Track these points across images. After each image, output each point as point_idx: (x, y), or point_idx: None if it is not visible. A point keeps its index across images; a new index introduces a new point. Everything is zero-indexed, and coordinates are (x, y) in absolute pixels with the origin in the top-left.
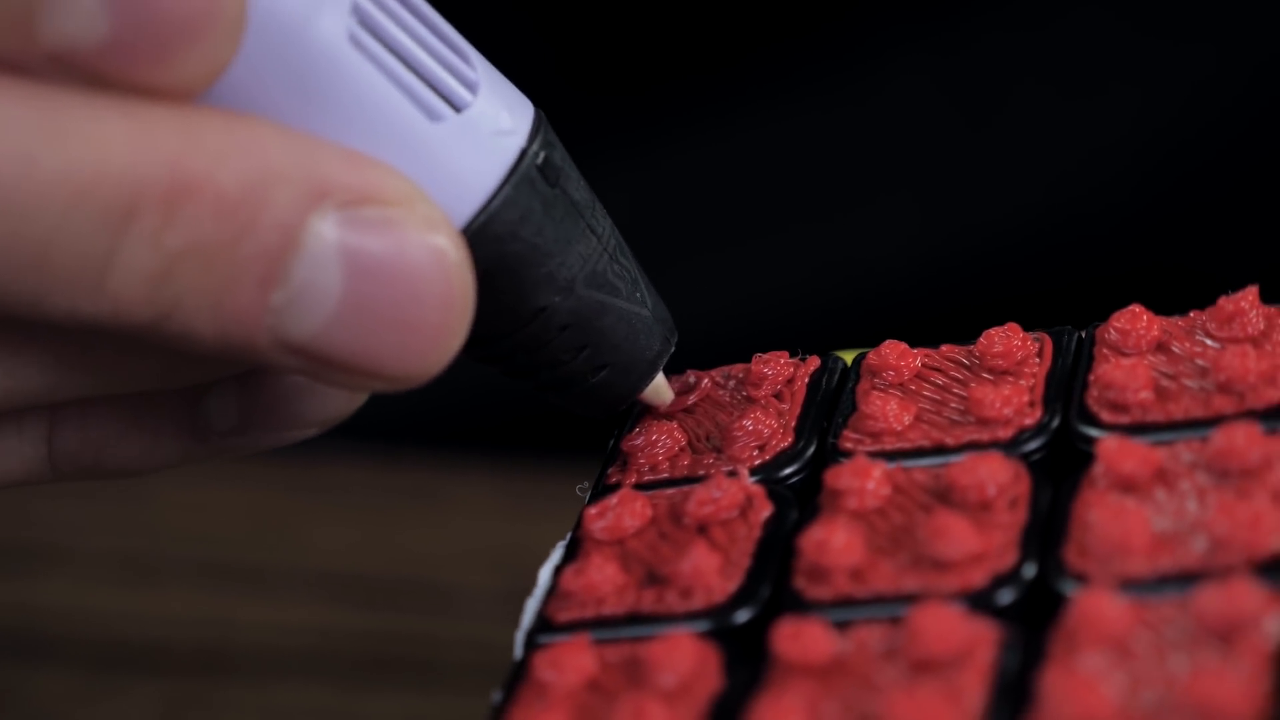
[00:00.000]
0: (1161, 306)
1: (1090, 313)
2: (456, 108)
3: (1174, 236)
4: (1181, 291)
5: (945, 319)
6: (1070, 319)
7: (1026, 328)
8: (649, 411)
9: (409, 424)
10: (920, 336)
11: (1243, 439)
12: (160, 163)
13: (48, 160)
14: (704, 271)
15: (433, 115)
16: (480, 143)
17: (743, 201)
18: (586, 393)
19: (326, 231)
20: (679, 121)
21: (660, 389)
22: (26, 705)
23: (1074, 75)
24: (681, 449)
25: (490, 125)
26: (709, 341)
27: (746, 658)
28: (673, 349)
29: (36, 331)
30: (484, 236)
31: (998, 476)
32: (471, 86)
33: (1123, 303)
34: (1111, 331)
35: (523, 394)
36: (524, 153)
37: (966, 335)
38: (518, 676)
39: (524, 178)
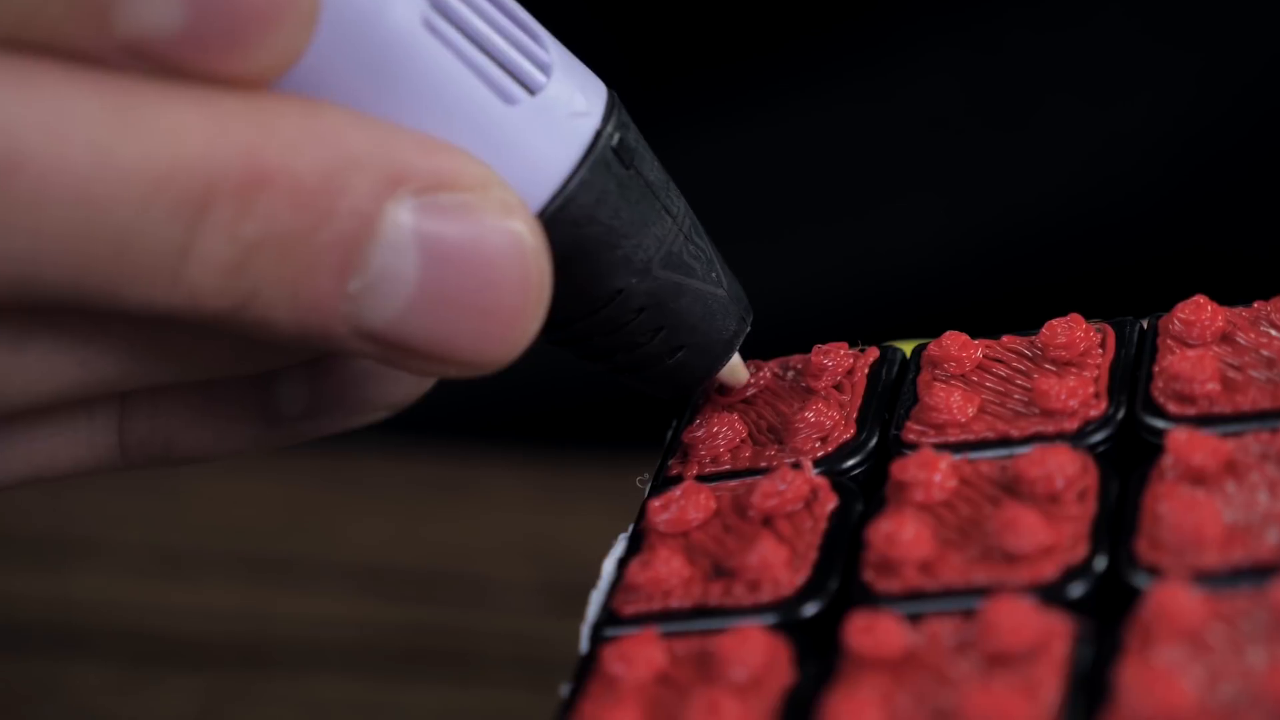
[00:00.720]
0: (1192, 290)
1: (1118, 302)
2: (531, 90)
3: (1197, 226)
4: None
5: (971, 311)
6: (1098, 309)
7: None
8: (708, 403)
9: (441, 416)
10: (945, 327)
11: None
12: (236, 152)
13: (123, 152)
14: (734, 262)
15: (507, 99)
16: (555, 125)
17: (769, 195)
18: (663, 374)
19: (403, 218)
20: (706, 114)
21: (736, 369)
22: (63, 698)
23: (1096, 72)
24: (743, 440)
25: (565, 107)
26: None
27: (816, 651)
28: (748, 328)
29: (110, 321)
30: (560, 220)
31: (1066, 469)
32: (545, 68)
33: (1154, 291)
34: (1175, 322)
35: (555, 385)
36: (599, 134)
37: (995, 328)
38: (587, 670)
39: (599, 160)
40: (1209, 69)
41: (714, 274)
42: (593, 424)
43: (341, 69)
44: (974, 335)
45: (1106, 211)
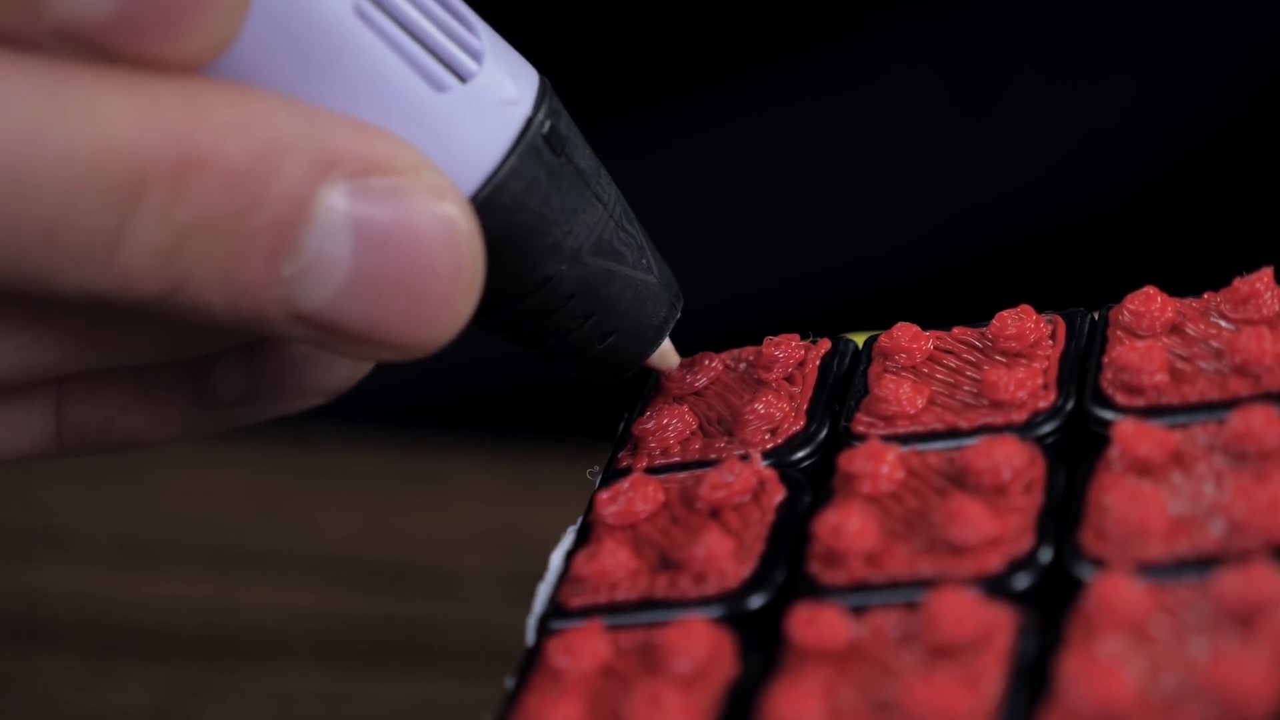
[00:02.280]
0: (1163, 286)
1: (1089, 295)
2: (462, 78)
3: (1172, 218)
4: (1182, 272)
5: (944, 303)
6: (1070, 301)
7: (1032, 309)
8: (659, 394)
9: (411, 407)
10: (920, 320)
11: (1260, 421)
12: (167, 137)
13: (54, 137)
14: (702, 256)
15: (438, 86)
16: (486, 113)
17: (741, 186)
18: (594, 360)
19: (336, 202)
20: (676, 107)
21: (667, 354)
22: (29, 690)
23: (1071, 60)
24: (693, 432)
25: (495, 95)
26: (708, 325)
27: (761, 643)
28: (679, 314)
29: (45, 307)
30: (491, 207)
31: (1013, 460)
32: (476, 55)
33: (1122, 284)
34: (1125, 313)
35: (524, 376)
36: (529, 122)
37: (966, 319)
38: (531, 662)
39: (530, 147)
40: (1189, 57)
41: (645, 260)
42: (562, 415)
43: (273, 55)
44: (949, 327)
45: (1081, 203)
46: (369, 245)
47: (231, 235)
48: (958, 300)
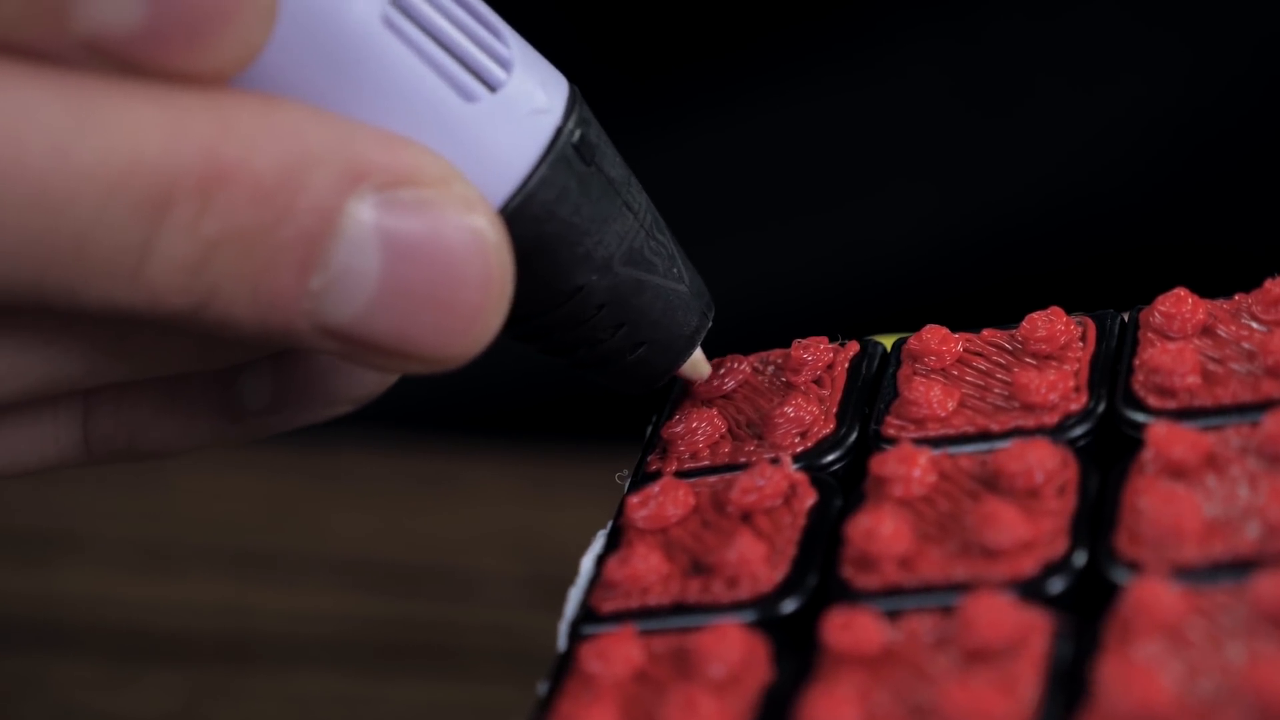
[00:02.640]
0: (1183, 284)
1: (1109, 292)
2: (491, 87)
3: (1190, 215)
4: (1201, 269)
5: (963, 301)
6: (1090, 299)
7: (1053, 308)
8: (688, 398)
9: (427, 410)
10: (938, 318)
11: None
12: (195, 150)
13: (81, 152)
14: (722, 255)
15: (468, 96)
16: (516, 122)
17: (759, 185)
18: (624, 370)
19: (364, 214)
20: (693, 106)
21: (698, 364)
22: (46, 694)
23: (1086, 60)
24: (722, 436)
25: (525, 104)
26: (728, 325)
27: (795, 648)
28: (710, 324)
29: (73, 320)
30: (521, 217)
31: (1045, 463)
32: (506, 65)
33: (1142, 281)
34: (1156, 315)
35: (539, 379)
36: (560, 131)
37: (986, 316)
38: (564, 668)
39: (560, 157)
40: (1199, 57)
41: (675, 270)
42: (578, 418)
43: (301, 65)
44: (963, 326)
45: (1100, 200)
46: (397, 258)
47: (259, 248)
48: (977, 299)
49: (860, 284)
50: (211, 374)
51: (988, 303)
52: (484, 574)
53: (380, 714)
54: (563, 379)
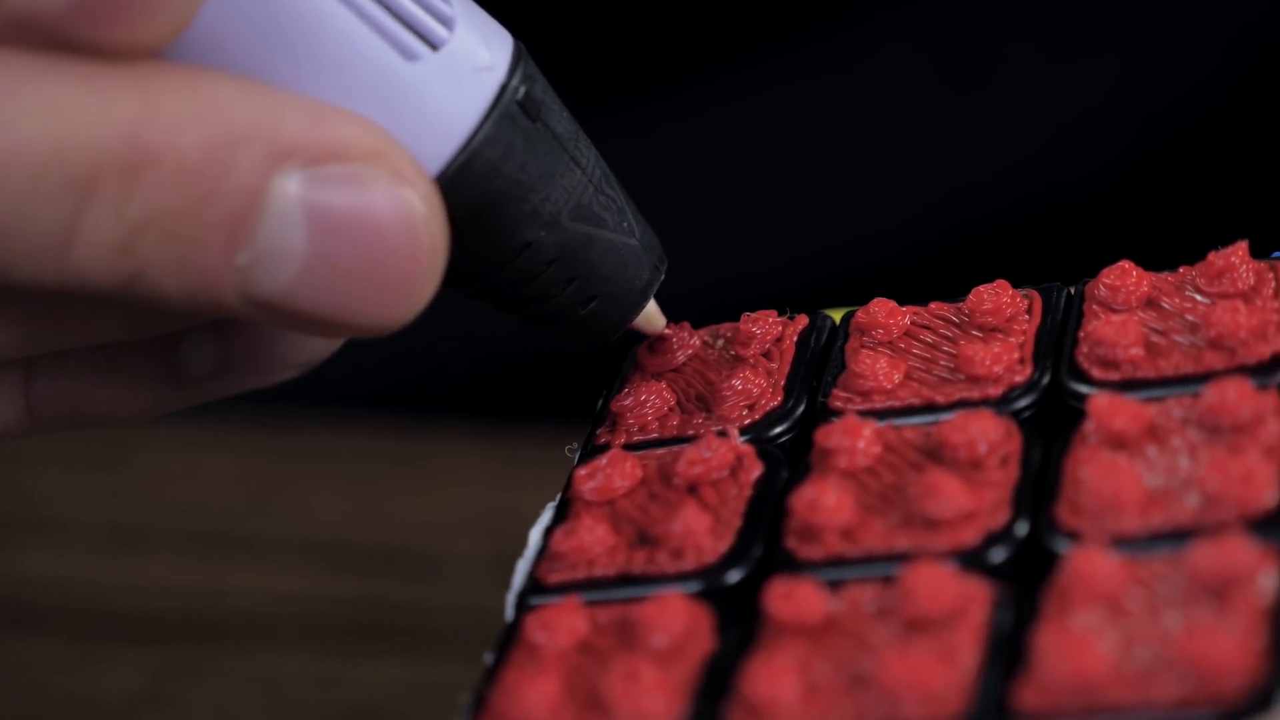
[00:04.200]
0: (1150, 266)
1: (1078, 273)
2: (433, 45)
3: (1159, 197)
4: (1169, 251)
5: (934, 282)
6: (1058, 279)
7: (1016, 287)
8: (637, 371)
9: (396, 391)
10: (909, 299)
11: (1234, 395)
12: (119, 133)
13: (5, 135)
14: (692, 239)
15: (409, 55)
16: (459, 80)
17: (731, 169)
18: (577, 325)
19: (290, 191)
20: (664, 90)
21: (652, 316)
22: (15, 675)
23: (1058, 39)
24: (671, 409)
25: (469, 62)
26: (698, 306)
27: (738, 618)
28: (662, 276)
29: (3, 294)
30: (466, 175)
31: (988, 434)
32: (448, 22)
33: (1111, 263)
34: (1101, 288)
35: (509, 359)
36: (504, 88)
37: (955, 296)
38: (509, 638)
39: (504, 114)
40: (1178, 37)
41: (626, 224)
42: (547, 397)
43: (235, 30)
44: (928, 303)
45: (1070, 183)
46: (324, 233)
47: (185, 229)
48: (948, 280)
49: (835, 266)
50: (154, 340)
51: (962, 284)
52: (454, 554)
53: (350, 693)
54: (534, 360)
